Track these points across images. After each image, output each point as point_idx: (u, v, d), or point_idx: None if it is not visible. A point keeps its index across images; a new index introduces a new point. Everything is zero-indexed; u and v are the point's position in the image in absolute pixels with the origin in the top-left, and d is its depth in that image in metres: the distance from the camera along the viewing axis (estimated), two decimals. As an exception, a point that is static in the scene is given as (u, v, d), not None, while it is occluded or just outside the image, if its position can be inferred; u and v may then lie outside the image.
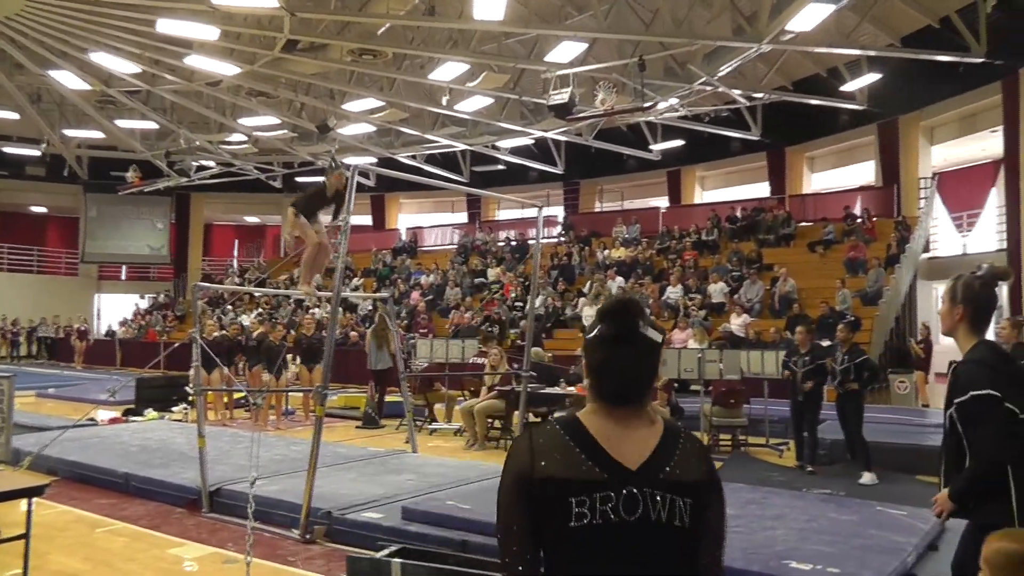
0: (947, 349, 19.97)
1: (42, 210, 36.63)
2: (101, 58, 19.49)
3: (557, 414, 2.21)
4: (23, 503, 5.55)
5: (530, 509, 2.01)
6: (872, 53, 18.84)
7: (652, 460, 2.02)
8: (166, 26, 16.81)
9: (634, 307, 2.09)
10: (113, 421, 13.34)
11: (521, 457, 2.05)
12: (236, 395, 15.09)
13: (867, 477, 9.19)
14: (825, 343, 16.37)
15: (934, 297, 23.77)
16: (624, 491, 1.97)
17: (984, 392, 3.37)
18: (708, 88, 20.30)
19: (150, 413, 14.38)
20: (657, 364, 2.17)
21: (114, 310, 34.81)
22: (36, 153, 28.57)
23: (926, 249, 23.02)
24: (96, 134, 27.42)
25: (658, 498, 1.98)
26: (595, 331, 2.10)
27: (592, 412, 2.09)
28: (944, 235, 25.06)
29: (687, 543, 2.02)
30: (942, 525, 6.46)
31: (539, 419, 12.43)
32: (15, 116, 25.51)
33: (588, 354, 2.11)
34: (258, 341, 15.17)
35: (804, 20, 15.59)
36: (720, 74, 18.95)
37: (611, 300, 2.16)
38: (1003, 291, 20.71)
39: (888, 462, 9.68)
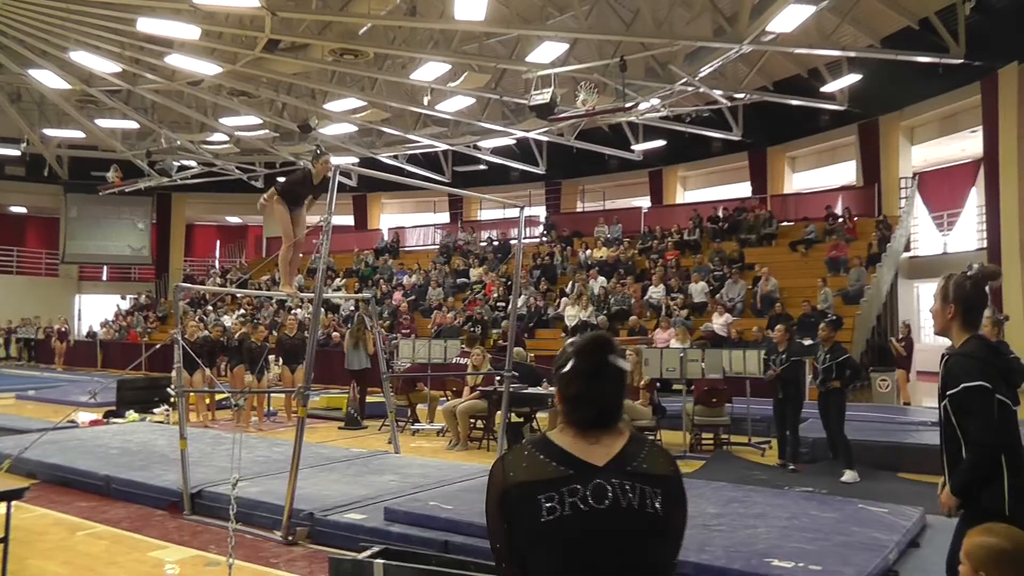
0: (928, 348, 20.26)
1: (22, 210, 36.34)
2: (82, 57, 19.37)
3: (528, 438, 2.32)
4: (1, 507, 5.52)
5: (507, 524, 2.12)
6: (852, 54, 18.91)
7: (619, 457, 2.12)
8: (147, 25, 16.72)
9: (605, 343, 2.21)
10: (94, 423, 13.25)
11: (496, 477, 2.17)
12: (218, 396, 15.02)
13: (849, 475, 9.24)
14: (807, 342, 16.52)
15: (915, 296, 23.96)
16: (592, 483, 2.06)
17: (976, 384, 3.46)
18: (689, 88, 20.35)
19: (131, 415, 14.30)
20: (625, 389, 2.28)
21: (95, 311, 34.56)
22: (16, 153, 28.34)
23: (907, 248, 23.16)
24: (76, 134, 27.25)
25: (627, 486, 2.07)
26: (568, 366, 2.20)
27: (562, 431, 2.19)
28: (925, 234, 25.25)
29: (659, 530, 2.10)
30: (924, 519, 6.53)
31: (521, 419, 12.46)
32: (-7, 116, 25.36)
33: (563, 386, 2.21)
34: (239, 341, 15.15)
35: (785, 21, 15.67)
36: (701, 75, 19.01)
37: (583, 338, 2.27)
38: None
39: (870, 460, 9.76)
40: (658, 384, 12.19)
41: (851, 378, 10.06)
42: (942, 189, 25.15)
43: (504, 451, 2.24)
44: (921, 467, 9.75)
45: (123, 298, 34.10)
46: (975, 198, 23.24)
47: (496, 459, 2.25)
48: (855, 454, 9.47)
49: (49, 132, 27.27)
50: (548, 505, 2.04)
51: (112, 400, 15.02)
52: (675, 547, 2.19)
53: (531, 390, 12.07)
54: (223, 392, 13.41)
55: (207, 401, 15.17)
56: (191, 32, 17.19)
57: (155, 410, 14.98)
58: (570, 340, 2.31)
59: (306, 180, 8.66)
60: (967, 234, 23.69)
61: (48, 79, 21.37)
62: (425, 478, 8.44)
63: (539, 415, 12.84)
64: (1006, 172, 18.82)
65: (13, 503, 5.56)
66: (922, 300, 24.62)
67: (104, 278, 37.24)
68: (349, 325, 15.85)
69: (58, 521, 7.52)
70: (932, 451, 9.90)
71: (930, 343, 22.75)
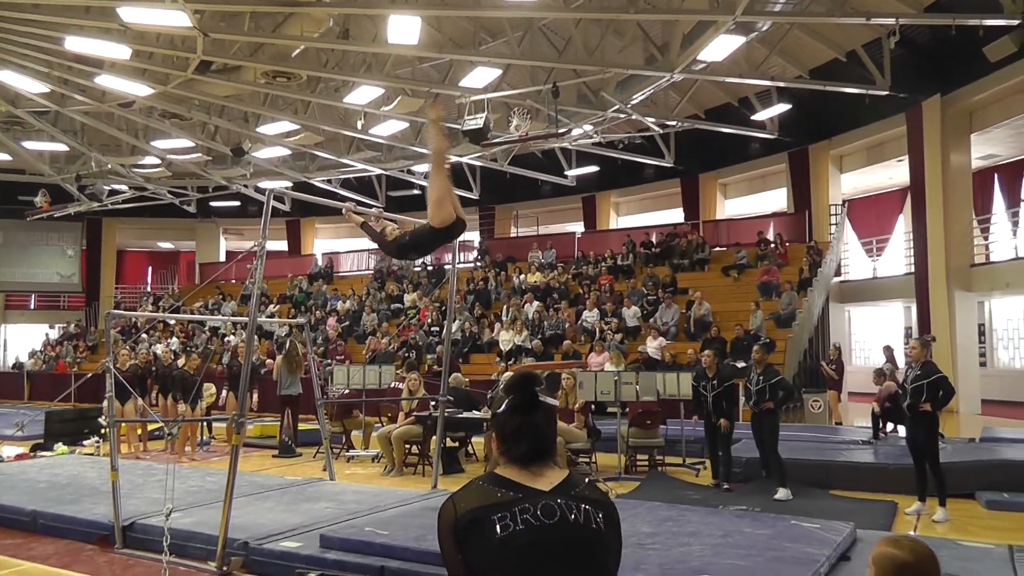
0: (858, 369, 20.77)
1: (-56, 236, 35.40)
2: (7, 77, 18.96)
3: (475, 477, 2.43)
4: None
5: (462, 549, 2.25)
6: (781, 84, 19.36)
7: (562, 485, 2.30)
8: (75, 44, 16.45)
9: (533, 379, 2.42)
10: (20, 457, 12.90)
11: (447, 511, 2.30)
12: (150, 426, 14.74)
13: (782, 493, 9.38)
14: (740, 364, 16.76)
15: (846, 319, 24.50)
16: (540, 503, 2.23)
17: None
18: (621, 116, 20.64)
19: (60, 447, 13.96)
20: (555, 427, 2.49)
21: (22, 341, 33.60)
22: (-62, 176, 27.63)
23: (837, 273, 23.68)
24: (2, 156, 26.59)
25: (572, 505, 2.24)
26: (505, 404, 2.40)
27: (506, 467, 2.35)
28: (855, 260, 25.85)
29: (603, 543, 2.24)
30: (854, 533, 6.68)
31: (456, 444, 12.45)
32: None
33: (501, 424, 2.39)
34: (172, 371, 14.91)
35: (715, 51, 16.02)
36: (633, 102, 19.31)
37: (514, 377, 2.46)
38: (912, 315, 21.44)
39: (802, 478, 9.92)
40: (593, 407, 12.27)
41: (784, 399, 10.22)
42: (871, 216, 25.81)
43: (453, 493, 2.31)
44: (852, 484, 10.04)
45: (52, 327, 33.32)
46: (903, 225, 23.86)
47: (447, 499, 2.35)
48: (788, 472, 9.62)
49: (-28, 155, 26.62)
50: (501, 523, 2.19)
51: (40, 433, 14.66)
52: (615, 565, 2.31)
53: (466, 414, 12.07)
54: (156, 422, 13.17)
55: (138, 431, 14.87)
56: (121, 52, 16.94)
57: (85, 442, 14.67)
58: (503, 384, 2.47)
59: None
60: (895, 259, 24.32)
61: (-29, 100, 20.90)
62: (360, 504, 8.38)
63: (474, 439, 12.83)
64: (932, 200, 19.42)
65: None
66: (853, 323, 25.17)
67: (32, 307, 36.33)
68: (283, 351, 15.68)
69: (-19, 559, 7.29)
70: (862, 469, 10.26)
71: (860, 365, 23.29)
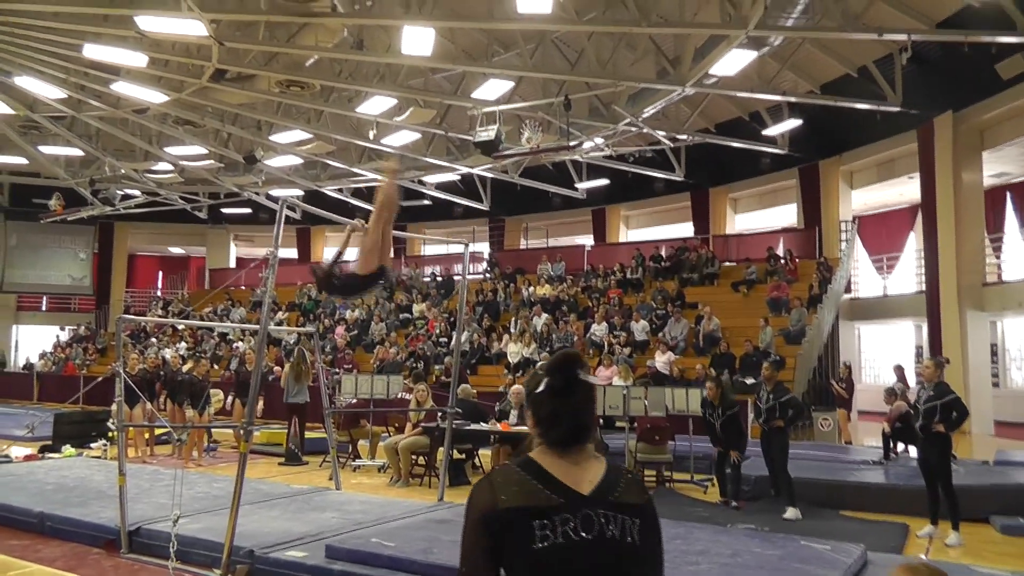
0: (868, 388, 20.67)
1: (-42, 237, 35.59)
2: (26, 82, 19.09)
3: (511, 459, 2.40)
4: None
5: (493, 546, 2.17)
6: (793, 99, 19.37)
7: (601, 486, 2.24)
8: (93, 51, 16.56)
9: (575, 359, 2.33)
10: (28, 458, 12.94)
11: (483, 496, 2.23)
12: (157, 431, 14.77)
13: (791, 512, 9.32)
14: (749, 380, 16.73)
15: (856, 337, 24.40)
16: (580, 513, 2.17)
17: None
18: (633, 129, 20.66)
19: (68, 450, 14.00)
20: (595, 407, 2.40)
21: (33, 342, 33.74)
22: (-46, 178, 27.80)
23: (848, 290, 23.62)
24: (19, 160, 26.75)
25: (611, 517, 2.20)
26: (542, 385, 2.30)
27: (543, 453, 2.29)
28: (865, 277, 25.75)
29: (638, 558, 2.23)
30: (865, 556, 6.64)
31: (463, 456, 12.43)
32: (-69, 140, 24.84)
33: (536, 407, 2.32)
34: (181, 376, 14.94)
35: (727, 65, 16.03)
36: (644, 115, 19.32)
37: (554, 356, 2.37)
38: (923, 334, 21.33)
39: (812, 497, 9.86)
40: (601, 421, 12.25)
41: (794, 417, 10.16)
42: (881, 233, 25.74)
43: (490, 472, 2.29)
44: (863, 505, 9.93)
45: (62, 329, 33.44)
46: (913, 242, 23.79)
47: (482, 479, 2.31)
48: (797, 492, 9.57)
49: (-10, 158, 26.78)
50: (541, 533, 2.14)
51: (48, 434, 14.70)
52: (655, 571, 2.32)
53: (474, 427, 12.05)
54: (164, 427, 13.21)
55: (146, 436, 14.90)
56: (138, 60, 17.05)
57: (92, 444, 14.70)
58: (540, 362, 2.42)
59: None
60: (906, 277, 24.21)
61: (-10, 104, 21.02)
62: (366, 515, 8.38)
63: (481, 452, 12.82)
64: (943, 218, 19.32)
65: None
66: (863, 341, 25.07)
67: (43, 308, 36.43)
68: (291, 359, 15.72)
69: (-11, 560, 7.32)
70: (873, 489, 10.16)
71: (870, 383, 23.18)
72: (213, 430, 15.77)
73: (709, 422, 10.62)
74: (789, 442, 9.98)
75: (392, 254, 7.29)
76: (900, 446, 13.02)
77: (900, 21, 16.18)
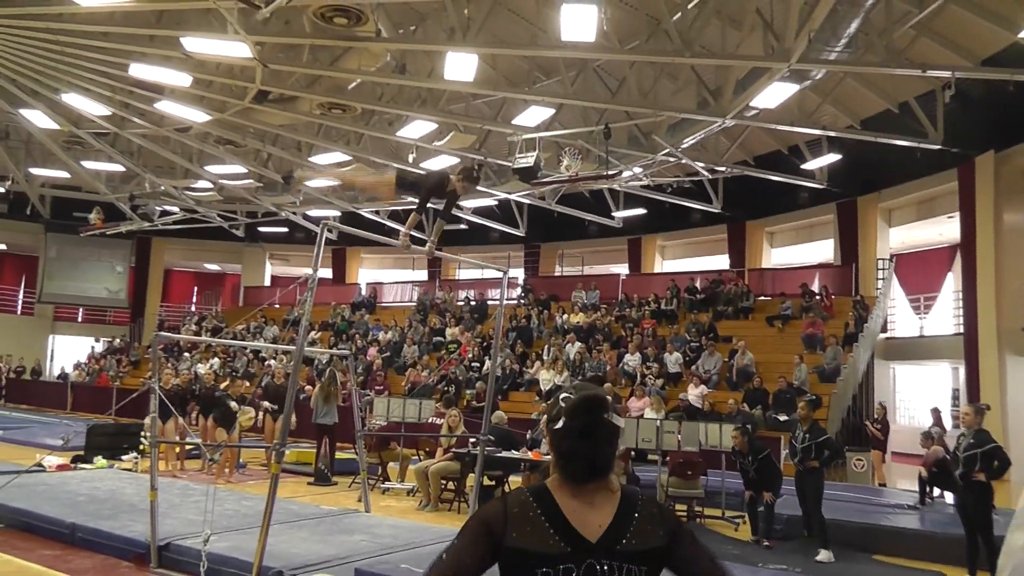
0: (903, 429, 20.32)
1: (1, 247, 36.08)
2: (72, 99, 19.39)
3: (529, 485, 2.39)
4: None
5: (484, 555, 2.23)
6: (832, 133, 19.25)
7: (610, 531, 2.24)
8: (139, 71, 16.80)
9: (599, 403, 2.31)
10: (61, 468, 13.06)
11: (495, 516, 2.26)
12: (187, 446, 14.85)
13: (823, 555, 9.17)
14: (782, 417, 16.57)
15: (891, 377, 24.05)
16: (584, 563, 2.19)
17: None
18: (671, 159, 20.62)
19: (99, 461, 14.10)
20: (616, 445, 2.39)
21: (68, 352, 34.15)
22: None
23: (884, 329, 23.32)
24: (61, 174, 27.16)
25: (615, 568, 2.20)
26: (561, 424, 2.31)
27: (559, 485, 2.30)
28: (902, 316, 25.41)
29: None
30: None
31: (493, 483, 12.37)
32: (-19, 153, 25.26)
33: (556, 442, 2.33)
34: (216, 394, 15.02)
35: (768, 98, 15.98)
36: (683, 146, 19.28)
37: (577, 397, 2.34)
38: (960, 377, 20.97)
39: (844, 540, 9.71)
40: (633, 454, 12.16)
41: (829, 458, 10.01)
42: (919, 272, 25.42)
43: (506, 496, 2.28)
44: (897, 550, 9.74)
45: (97, 340, 33.80)
46: (951, 282, 23.48)
47: (498, 501, 2.33)
48: (830, 533, 9.41)
49: (34, 171, 27.15)
50: None
51: (81, 445, 14.82)
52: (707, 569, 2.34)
53: (505, 454, 12.00)
54: (197, 444, 13.29)
55: (176, 450, 14.98)
56: (182, 79, 17.30)
57: (124, 457, 14.79)
58: (564, 394, 2.39)
59: (440, 185, 8.60)
60: (944, 318, 23.87)
61: (38, 119, 21.34)
62: (395, 539, 8.35)
63: (511, 478, 12.76)
64: (983, 259, 19.02)
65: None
66: (898, 382, 24.73)
67: (79, 319, 36.89)
68: (322, 379, 15.77)
69: (21, 569, 7.35)
70: (909, 535, 9.97)
71: (905, 424, 22.85)
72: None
73: (743, 469, 10.53)
74: (824, 483, 9.85)
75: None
76: (936, 491, 12.79)
77: (944, 57, 16.06)
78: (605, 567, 2.19)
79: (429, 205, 8.28)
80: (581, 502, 2.26)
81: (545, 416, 2.41)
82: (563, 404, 2.34)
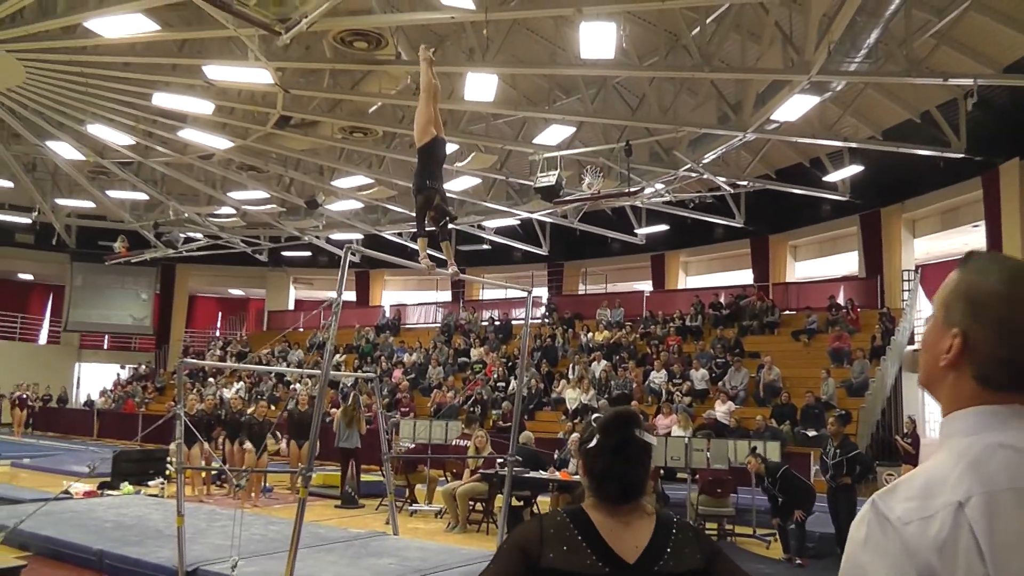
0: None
1: (28, 277, 36.47)
2: (97, 129, 19.59)
3: (565, 506, 2.38)
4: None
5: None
6: (854, 145, 19.13)
7: (648, 553, 2.20)
8: (162, 99, 16.97)
9: (632, 418, 2.31)
10: (88, 494, 13.09)
11: (530, 537, 2.23)
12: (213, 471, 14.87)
13: (856, 572, 9.01)
14: (811, 433, 16.42)
15: (919, 389, 23.71)
16: None
17: None
18: (693, 174, 20.55)
19: (126, 487, 14.13)
20: (649, 464, 2.37)
21: (94, 380, 34.40)
22: (27, 221, 28.40)
23: (911, 342, 23.03)
24: (87, 204, 27.43)
25: None
26: (595, 441, 2.29)
27: (595, 507, 2.28)
28: (928, 328, 25.07)
29: None
30: None
31: (521, 503, 12.31)
32: (9, 185, 25.49)
33: (588, 461, 2.30)
34: (241, 417, 15.05)
35: (788, 111, 15.93)
36: (705, 161, 19.22)
37: (610, 413, 2.35)
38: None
39: (877, 557, 9.53)
40: (662, 472, 12.07)
41: (862, 474, 9.91)
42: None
43: (542, 516, 2.28)
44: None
45: (122, 367, 34.02)
46: (978, 293, 23.17)
47: (533, 520, 2.35)
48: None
49: (61, 202, 27.41)
50: None
51: (107, 471, 14.87)
52: None
53: (533, 474, 11.94)
54: (223, 469, 13.30)
55: (203, 475, 15.00)
56: (204, 107, 17.45)
57: (150, 482, 14.82)
58: (595, 415, 2.38)
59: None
60: (970, 329, 23.53)
61: (64, 151, 21.57)
62: (424, 562, 8.30)
63: (539, 498, 12.69)
64: (1010, 269, 18.76)
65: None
66: (927, 395, 24.38)
67: (104, 347, 37.20)
68: (346, 402, 15.78)
69: (50, 597, 7.36)
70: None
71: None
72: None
73: (768, 494, 10.45)
74: (857, 499, 9.72)
75: (443, 126, 8.49)
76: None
77: (965, 65, 15.94)
78: None
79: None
80: (617, 522, 2.23)
81: (578, 438, 2.39)
82: (595, 424, 2.32)
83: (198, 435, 12.64)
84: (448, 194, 22.79)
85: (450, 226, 25.83)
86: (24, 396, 28.01)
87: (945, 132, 18.00)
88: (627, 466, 2.26)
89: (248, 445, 14.40)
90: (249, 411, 15.76)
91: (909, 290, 23.34)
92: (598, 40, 13.24)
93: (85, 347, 36.34)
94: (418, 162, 8.21)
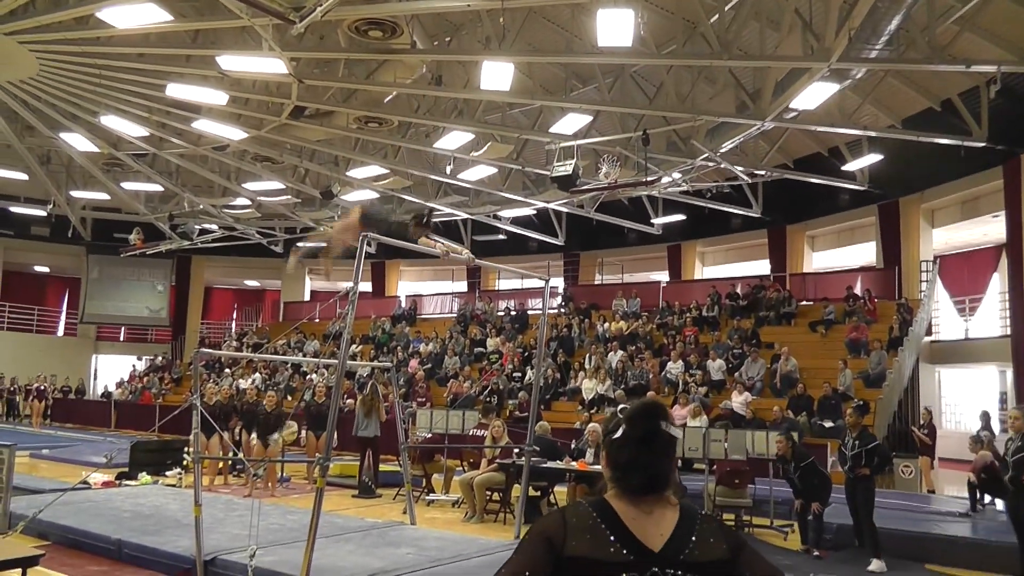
0: (950, 434, 19.87)
1: (44, 270, 36.66)
2: (111, 121, 19.61)
3: (586, 497, 2.32)
4: (16, 572, 5.40)
5: (545, 566, 2.15)
6: (873, 134, 18.96)
7: (672, 541, 2.18)
8: (176, 90, 16.96)
9: (657, 410, 2.30)
10: (106, 484, 13.11)
11: (554, 527, 2.20)
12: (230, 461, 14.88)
13: (876, 564, 8.93)
14: (828, 424, 16.31)
15: (937, 381, 23.59)
16: (648, 572, 2.13)
17: None
18: (710, 164, 20.45)
19: (143, 477, 14.15)
20: (674, 457, 2.38)
21: (111, 371, 34.62)
22: (42, 213, 28.56)
23: (928, 332, 22.87)
24: (102, 196, 27.52)
25: None
26: (620, 432, 2.28)
27: (618, 497, 2.25)
28: (946, 319, 24.91)
29: None
30: None
31: (538, 493, 12.26)
32: (24, 177, 25.58)
33: (613, 453, 2.29)
34: (253, 408, 15.06)
35: (807, 99, 15.79)
36: (722, 150, 19.11)
37: (636, 405, 2.34)
38: (1007, 379, 20.54)
39: (896, 549, 9.43)
40: (680, 463, 12.00)
41: (880, 465, 9.79)
42: (963, 274, 24.94)
43: (564, 507, 2.30)
44: (950, 559, 9.42)
45: (139, 359, 34.16)
46: (997, 283, 23.03)
47: (555, 511, 2.32)
48: (881, 542, 9.17)
49: (75, 194, 27.52)
50: None
51: (125, 461, 14.90)
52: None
53: (550, 464, 11.89)
54: (240, 459, 13.31)
55: (220, 465, 15.02)
56: (218, 98, 17.43)
57: (167, 473, 14.84)
58: (621, 406, 2.36)
59: (403, 228, 8.40)
60: (989, 320, 23.41)
61: (78, 142, 21.62)
62: (442, 552, 8.27)
63: (557, 489, 12.64)
64: (1030, 259, 18.61)
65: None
66: (944, 386, 24.28)
67: (121, 339, 37.39)
68: (364, 392, 15.76)
69: (69, 587, 7.36)
70: (961, 543, 9.68)
71: (952, 429, 22.42)
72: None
73: (787, 477, 10.37)
74: (875, 490, 9.63)
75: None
76: (987, 498, 12.45)
77: (989, 52, 15.71)
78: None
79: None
80: (640, 512, 2.21)
81: (598, 428, 2.35)
82: (620, 416, 2.30)
83: (215, 425, 12.65)
84: (463, 184, 22.99)
85: (463, 216, 25.95)
86: (42, 388, 28.24)
87: (966, 120, 17.83)
88: (652, 457, 2.24)
89: (254, 437, 14.42)
90: (265, 402, 15.76)
91: (927, 281, 23.14)
92: (615, 28, 13.14)
93: (102, 339, 36.57)
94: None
